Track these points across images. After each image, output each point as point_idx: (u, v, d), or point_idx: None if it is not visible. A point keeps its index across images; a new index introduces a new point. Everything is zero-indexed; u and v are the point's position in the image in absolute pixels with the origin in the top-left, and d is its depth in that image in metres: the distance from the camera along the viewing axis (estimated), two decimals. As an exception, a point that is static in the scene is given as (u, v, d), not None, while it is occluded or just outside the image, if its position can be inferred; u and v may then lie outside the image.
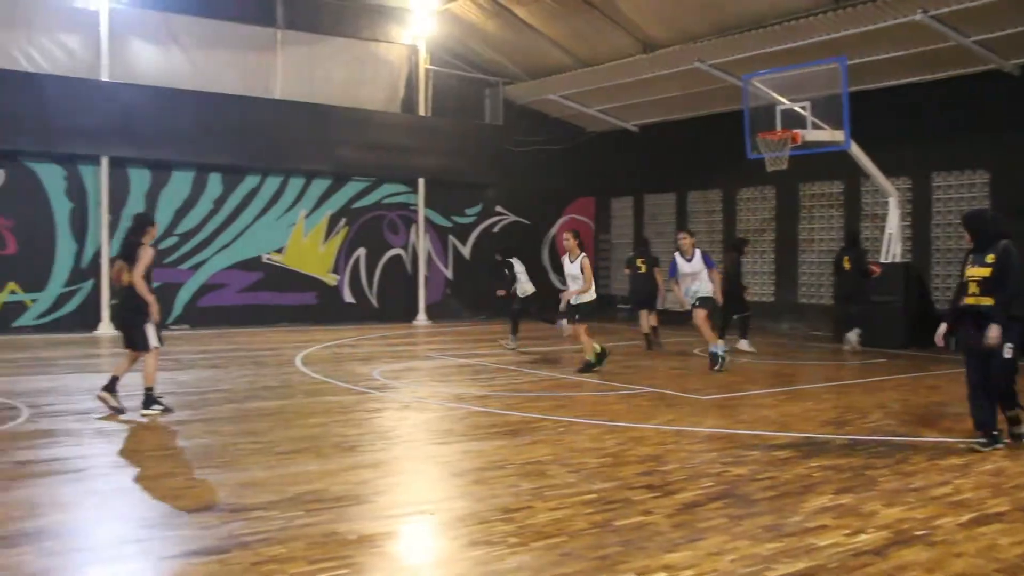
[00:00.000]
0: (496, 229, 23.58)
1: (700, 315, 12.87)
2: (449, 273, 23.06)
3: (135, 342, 9.08)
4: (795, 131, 15.17)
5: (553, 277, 24.50)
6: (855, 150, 15.56)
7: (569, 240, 12.58)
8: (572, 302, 12.53)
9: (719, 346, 12.78)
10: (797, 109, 15.50)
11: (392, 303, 22.01)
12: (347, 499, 5.88)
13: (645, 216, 23.88)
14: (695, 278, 12.93)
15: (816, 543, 4.98)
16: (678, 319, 21.53)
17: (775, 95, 15.73)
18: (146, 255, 8.99)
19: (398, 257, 22.34)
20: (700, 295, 13.02)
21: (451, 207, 23.03)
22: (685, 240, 13.07)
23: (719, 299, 13.41)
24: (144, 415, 8.91)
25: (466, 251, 23.23)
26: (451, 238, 23.06)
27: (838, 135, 15.22)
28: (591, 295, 12.53)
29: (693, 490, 6.12)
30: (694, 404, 9.92)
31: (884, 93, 17.63)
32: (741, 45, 17.60)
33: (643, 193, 23.92)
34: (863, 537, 5.10)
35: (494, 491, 6.09)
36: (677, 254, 13.05)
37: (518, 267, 16.05)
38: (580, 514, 5.52)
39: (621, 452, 7.33)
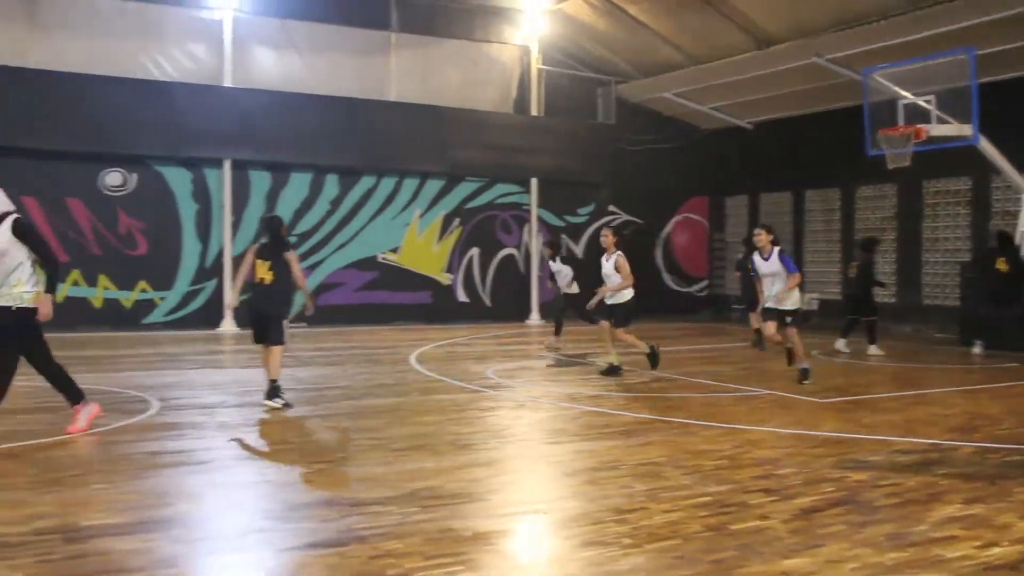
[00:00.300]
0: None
1: (792, 332, 11.37)
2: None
3: (274, 336, 9.40)
4: (919, 126, 14.64)
5: (666, 277, 24.31)
6: (984, 144, 14.92)
7: (608, 236, 12.31)
8: (608, 302, 12.16)
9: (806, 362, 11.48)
10: (921, 103, 14.95)
11: (505, 302, 22.13)
12: (462, 496, 5.93)
13: (760, 215, 23.43)
14: (774, 280, 11.53)
15: (944, 554, 4.78)
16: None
17: (897, 89, 15.21)
18: (295, 254, 9.58)
19: (511, 257, 22.45)
20: (787, 307, 11.35)
21: (564, 207, 23.03)
22: (761, 237, 11.55)
23: (782, 301, 11.41)
24: (267, 406, 9.21)
25: (579, 250, 23.17)
26: (564, 238, 23.03)
27: (966, 129, 14.62)
28: (629, 294, 12.11)
29: (811, 495, 5.96)
30: (812, 407, 9.67)
31: (1017, 83, 16.84)
32: (861, 38, 17.10)
33: (758, 192, 23.48)
34: (996, 550, 4.87)
35: (607, 492, 6.05)
36: (756, 253, 11.80)
37: (563, 266, 15.91)
38: (695, 517, 5.44)
39: (737, 455, 7.20)
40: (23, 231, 7.32)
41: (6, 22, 17.74)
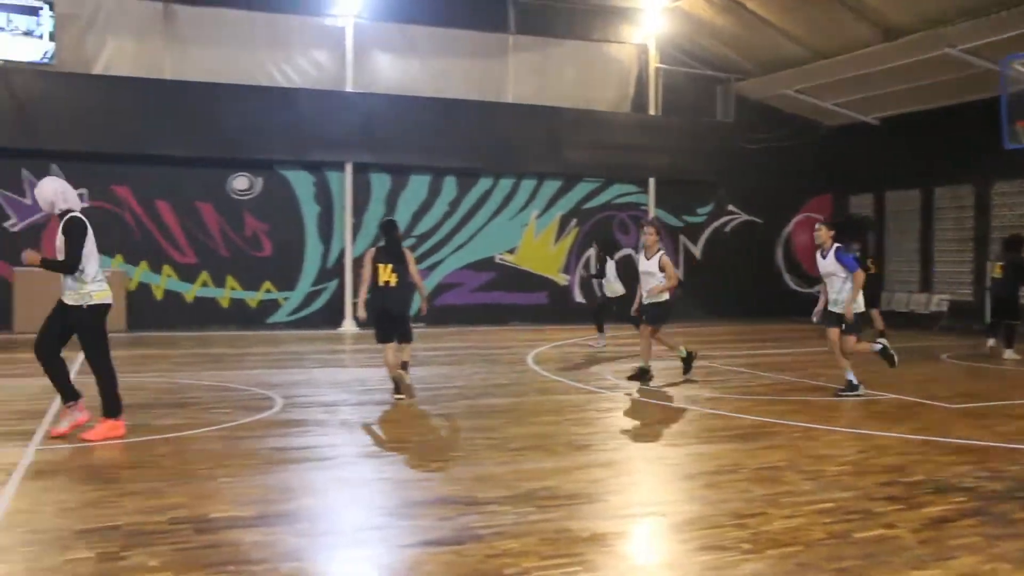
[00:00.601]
0: (728, 229, 23.10)
1: (833, 337, 10.31)
2: (680, 273, 22.77)
3: (404, 335, 10.00)
4: (1062, 117, 13.93)
5: (787, 278, 23.76)
6: None
7: (651, 235, 11.50)
8: (644, 302, 11.52)
9: (852, 373, 10.34)
10: (1065, 92, 14.22)
11: (621, 303, 21.93)
12: (579, 497, 5.91)
13: (886, 214, 22.68)
14: (832, 280, 10.34)
15: (1088, 569, 4.53)
16: (924, 321, 20.33)
17: (1038, 78, 14.49)
18: (412, 256, 10.09)
19: (628, 257, 22.26)
20: (829, 307, 10.35)
21: (682, 207, 22.75)
22: (821, 232, 10.52)
23: (848, 313, 10.10)
24: (397, 399, 9.76)
25: (697, 251, 22.89)
26: (682, 238, 22.78)
27: (1114, 119, 13.84)
28: (665, 296, 11.41)
29: (942, 504, 5.72)
30: (942, 413, 9.30)
31: None
32: (998, 26, 16.27)
33: (884, 190, 22.72)
34: None
35: (726, 495, 5.95)
36: (819, 250, 10.64)
37: (609, 265, 15.63)
38: (817, 523, 5.29)
39: (861, 460, 6.98)
40: (65, 229, 7.36)
41: (145, 37, 18.53)
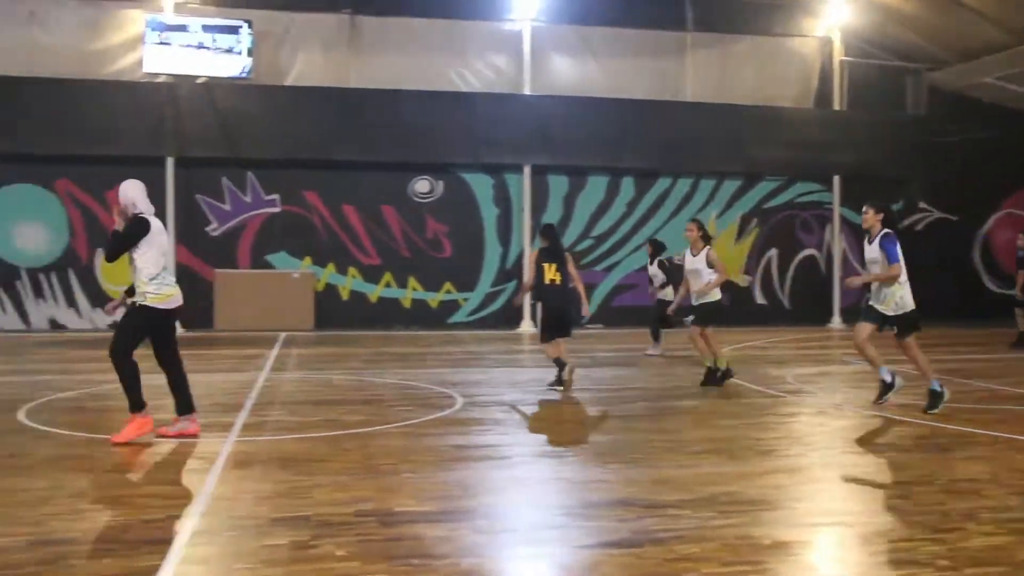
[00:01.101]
0: (919, 227, 21.99)
1: (861, 333, 9.30)
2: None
3: (568, 330, 10.55)
4: None
5: (986, 279, 22.41)
6: None
7: (692, 231, 11.05)
8: (694, 302, 11.08)
9: (885, 370, 9.36)
10: None
11: (805, 305, 21.30)
12: (762, 503, 5.74)
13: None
14: (875, 269, 9.16)
15: None
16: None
17: None
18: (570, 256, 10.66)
19: (812, 258, 21.59)
20: (888, 311, 9.09)
21: (869, 205, 21.81)
22: (868, 216, 9.23)
23: (905, 308, 9.06)
24: (556, 388, 10.29)
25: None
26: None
27: None
28: (716, 295, 10.94)
29: None
30: None
31: None
32: None
33: (1098, 182, 21.07)
34: None
35: (919, 507, 5.64)
36: (867, 236, 9.39)
37: (657, 270, 14.89)
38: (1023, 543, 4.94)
39: (1074, 475, 6.48)
40: (126, 224, 7.49)
41: (332, 49, 19.33)
